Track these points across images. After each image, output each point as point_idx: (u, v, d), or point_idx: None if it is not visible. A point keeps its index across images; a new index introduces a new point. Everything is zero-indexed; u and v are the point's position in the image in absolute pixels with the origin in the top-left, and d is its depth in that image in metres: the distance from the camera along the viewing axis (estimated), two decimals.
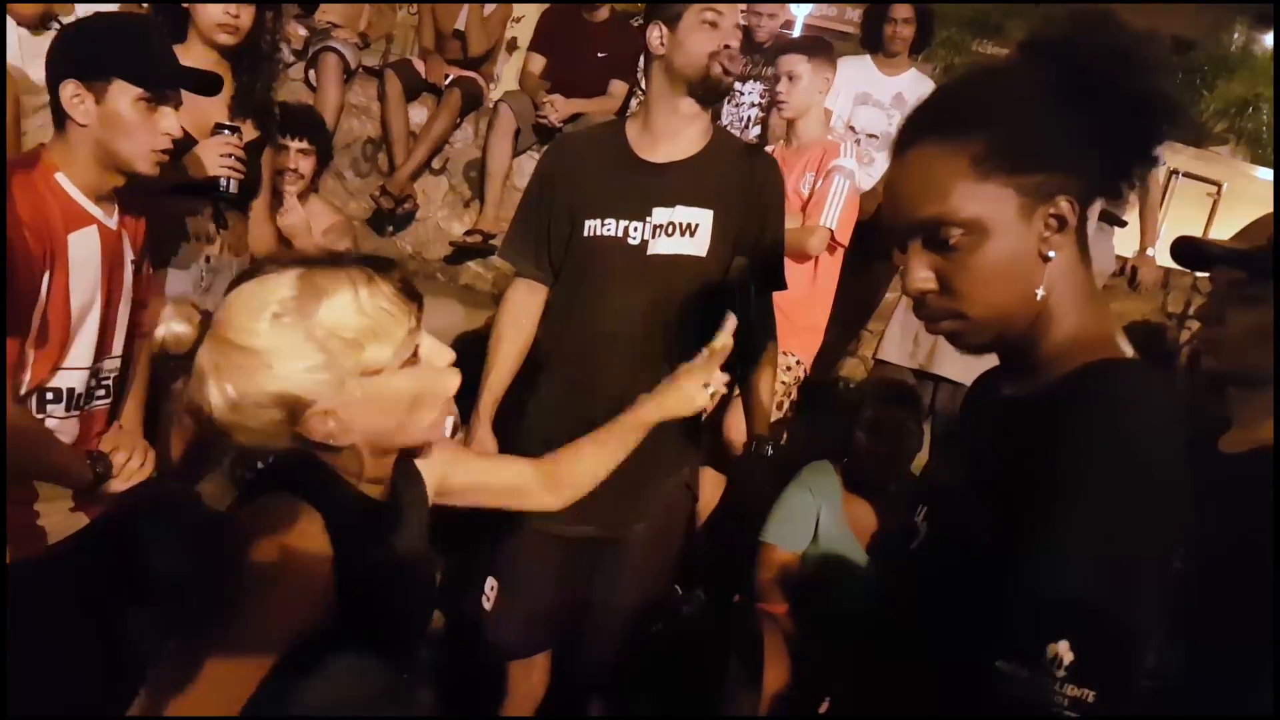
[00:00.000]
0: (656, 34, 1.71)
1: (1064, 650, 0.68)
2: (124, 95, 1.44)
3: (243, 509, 0.96)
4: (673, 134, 1.73)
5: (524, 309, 1.86)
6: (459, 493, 1.21)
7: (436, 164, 3.78)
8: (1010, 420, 0.85)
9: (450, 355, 0.99)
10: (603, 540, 1.80)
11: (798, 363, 2.61)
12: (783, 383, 2.55)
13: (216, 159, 1.94)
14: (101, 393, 1.58)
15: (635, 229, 1.71)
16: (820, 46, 2.75)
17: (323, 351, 0.90)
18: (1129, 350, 0.83)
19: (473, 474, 1.23)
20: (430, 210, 3.83)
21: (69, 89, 1.42)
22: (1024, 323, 0.83)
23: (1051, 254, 0.80)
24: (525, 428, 1.85)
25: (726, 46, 1.69)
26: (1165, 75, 0.79)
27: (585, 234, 1.73)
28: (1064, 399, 0.78)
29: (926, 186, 0.82)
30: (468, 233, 3.60)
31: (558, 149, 1.90)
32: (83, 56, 1.44)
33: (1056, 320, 0.83)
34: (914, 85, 3.47)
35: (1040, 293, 0.81)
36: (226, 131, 1.96)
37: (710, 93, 1.72)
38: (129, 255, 1.58)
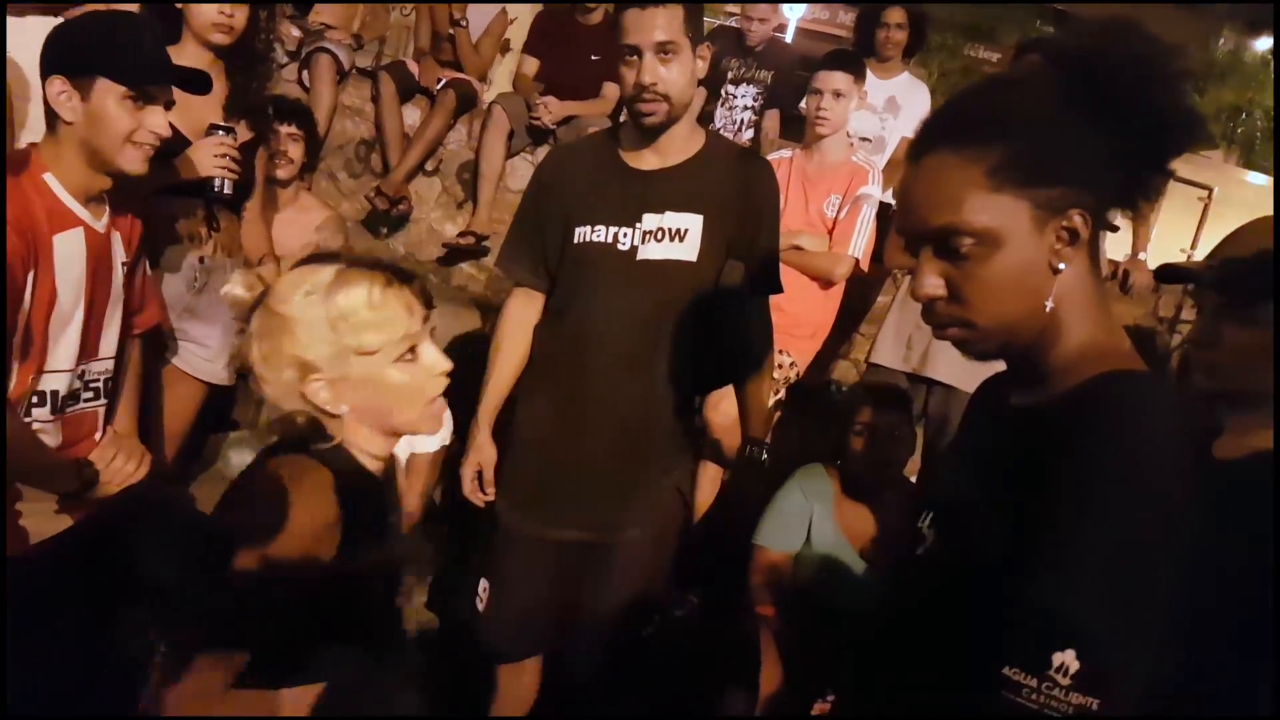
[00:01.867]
0: (621, 64, 1.69)
1: (1070, 659, 0.68)
2: (109, 93, 1.43)
3: (261, 466, 1.11)
4: (660, 147, 1.73)
5: (522, 318, 1.86)
6: None
7: (430, 165, 3.77)
8: (1019, 429, 0.85)
9: (446, 365, 1.13)
10: (592, 544, 1.80)
11: (791, 364, 2.62)
12: (772, 378, 2.57)
13: (210, 159, 1.94)
14: (89, 395, 1.57)
15: (625, 235, 1.71)
16: (859, 64, 2.76)
17: (332, 329, 1.07)
18: (1139, 362, 0.83)
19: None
20: (423, 212, 3.82)
21: (55, 86, 1.42)
22: (1031, 332, 0.83)
23: (1062, 266, 0.80)
24: (514, 430, 1.85)
25: (638, 86, 1.63)
26: (1188, 89, 0.79)
27: (576, 240, 1.73)
28: (1075, 409, 0.78)
29: (940, 195, 0.81)
30: (461, 234, 3.60)
31: (552, 159, 1.91)
32: (69, 54, 1.44)
33: (1065, 330, 0.83)
34: (907, 89, 3.49)
35: (1049, 304, 0.81)
36: (220, 132, 1.96)
37: (644, 134, 1.70)
38: (119, 257, 1.57)
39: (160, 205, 1.91)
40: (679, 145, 1.73)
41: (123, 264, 1.58)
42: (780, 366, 2.59)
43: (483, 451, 1.83)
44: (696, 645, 2.21)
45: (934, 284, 0.83)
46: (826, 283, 2.64)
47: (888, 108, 3.46)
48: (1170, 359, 3.17)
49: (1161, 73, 0.77)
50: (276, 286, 1.10)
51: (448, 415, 2.36)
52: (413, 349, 1.10)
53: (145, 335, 1.79)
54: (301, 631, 1.02)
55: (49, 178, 1.44)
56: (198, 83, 1.64)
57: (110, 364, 1.61)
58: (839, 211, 2.65)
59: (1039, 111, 0.80)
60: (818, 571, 2.16)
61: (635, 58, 1.63)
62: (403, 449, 2.26)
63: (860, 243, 2.63)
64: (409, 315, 1.09)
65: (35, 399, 1.46)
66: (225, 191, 1.99)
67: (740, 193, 1.75)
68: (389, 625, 1.15)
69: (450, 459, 2.73)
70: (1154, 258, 3.37)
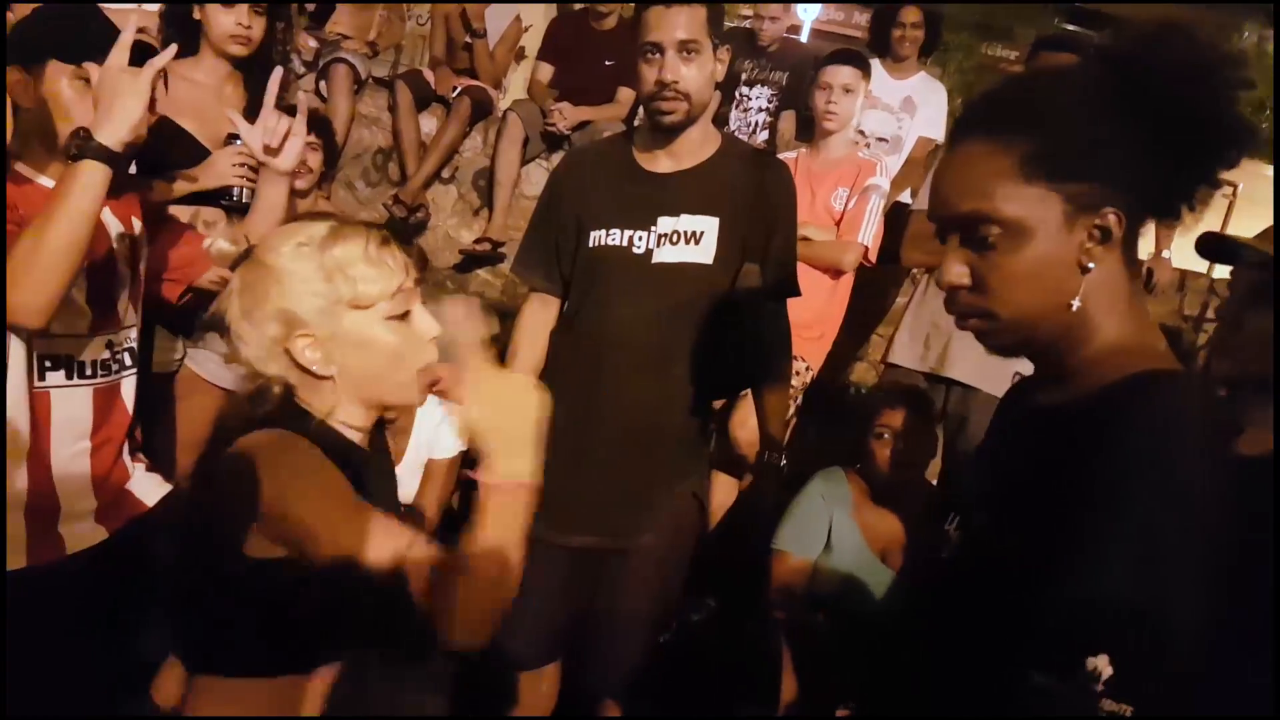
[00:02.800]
0: (641, 61, 1.69)
1: (1103, 664, 0.67)
2: (59, 74, 1.43)
3: (237, 445, 1.02)
4: (669, 149, 1.72)
5: (538, 323, 1.87)
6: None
7: (446, 173, 3.80)
8: (1048, 429, 0.84)
9: (436, 329, 1.09)
10: (609, 550, 1.79)
11: (806, 368, 2.60)
12: (790, 386, 2.56)
13: (230, 169, 1.96)
14: (118, 364, 1.57)
15: (640, 238, 1.71)
16: (865, 60, 2.79)
17: (326, 280, 1.02)
18: (1173, 361, 0.81)
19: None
20: (440, 219, 3.84)
21: (12, 76, 1.42)
22: (1056, 329, 0.82)
23: (1091, 265, 0.79)
24: None
25: (659, 84, 1.63)
26: (1240, 98, 0.77)
27: (590, 244, 1.73)
28: (1108, 407, 0.76)
29: (971, 181, 0.80)
30: (477, 241, 3.61)
31: (566, 164, 1.91)
32: (23, 42, 1.45)
33: (1095, 330, 0.81)
34: (922, 89, 3.47)
35: (1076, 303, 0.79)
36: (239, 142, 1.98)
37: (660, 132, 1.70)
38: (114, 229, 1.56)
39: (179, 214, 1.93)
40: (694, 148, 1.72)
41: (120, 234, 1.58)
42: (796, 373, 2.57)
43: None
44: (716, 651, 2.20)
45: (959, 272, 0.82)
46: (836, 273, 2.61)
47: (904, 108, 3.44)
48: (1197, 356, 3.12)
49: (1216, 81, 0.76)
50: (265, 240, 1.06)
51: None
52: (405, 310, 1.07)
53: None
54: (324, 626, 1.01)
55: (20, 165, 1.46)
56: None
57: (133, 332, 1.61)
58: (847, 203, 2.64)
59: (1078, 107, 0.79)
60: (838, 576, 2.14)
61: (657, 55, 1.62)
62: (420, 454, 2.26)
63: (869, 231, 2.61)
64: (403, 272, 1.06)
65: (49, 362, 1.46)
66: (244, 200, 2.00)
67: (756, 195, 1.74)
68: (408, 619, 1.11)
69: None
70: (1177, 256, 3.32)
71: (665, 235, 1.70)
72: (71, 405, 1.50)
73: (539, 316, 1.87)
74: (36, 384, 1.45)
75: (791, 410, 2.60)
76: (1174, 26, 0.77)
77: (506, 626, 1.85)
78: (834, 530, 2.17)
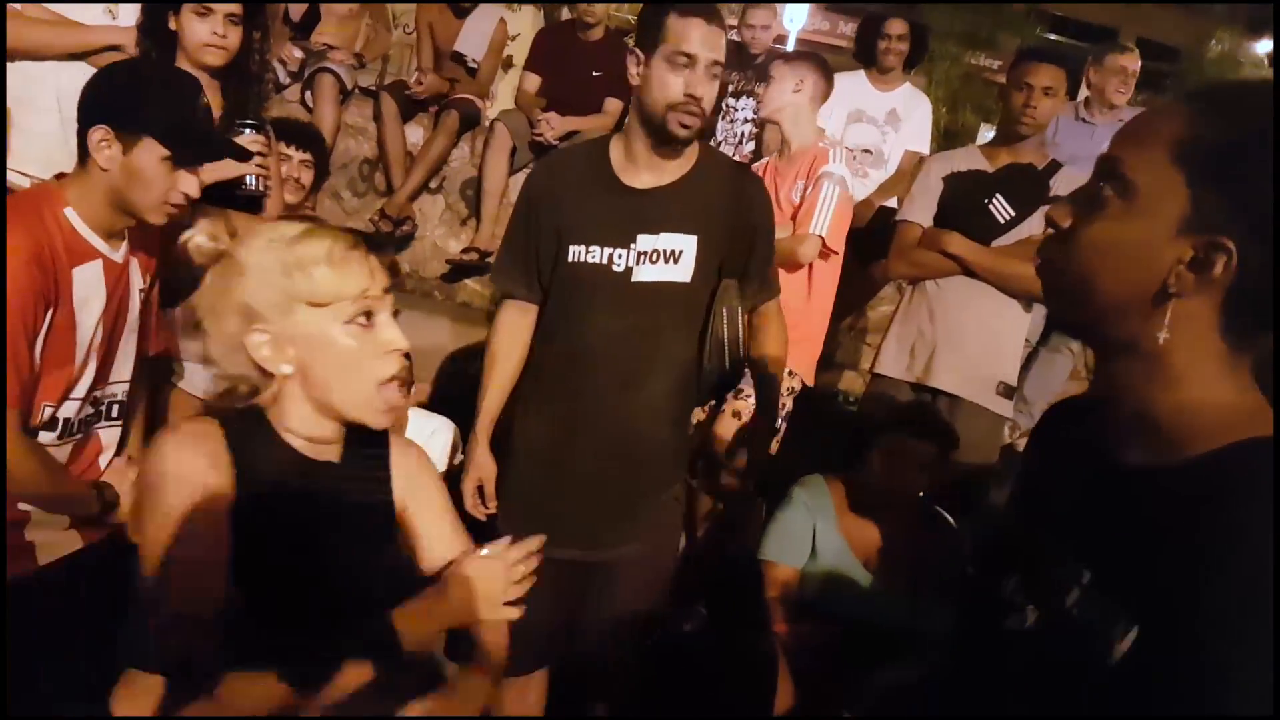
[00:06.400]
0: (634, 62, 1.68)
1: None
2: (151, 153, 1.44)
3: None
4: (658, 163, 1.71)
5: (515, 329, 1.85)
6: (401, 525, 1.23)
7: (433, 183, 3.80)
8: (1140, 494, 0.76)
9: (402, 344, 1.07)
10: (594, 563, 1.79)
11: (791, 373, 2.59)
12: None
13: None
14: (100, 418, 1.58)
15: (619, 256, 1.70)
16: (804, 56, 2.78)
17: (285, 274, 1.02)
18: (1271, 421, 0.74)
19: (425, 520, 1.23)
20: (427, 229, 3.84)
21: (98, 134, 1.42)
22: (1133, 348, 0.75)
23: (1173, 290, 0.72)
24: (511, 448, 1.85)
25: (689, 97, 1.62)
26: None
27: (570, 259, 1.72)
28: (1220, 482, 0.69)
29: (1134, 131, 0.76)
30: (464, 250, 3.61)
31: (542, 171, 1.89)
32: (120, 105, 1.44)
33: (1183, 382, 0.74)
34: (908, 101, 3.49)
35: (1163, 336, 0.73)
36: (249, 130, 1.97)
37: (665, 143, 1.68)
38: (136, 285, 1.58)
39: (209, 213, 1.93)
40: (674, 161, 1.72)
41: (140, 291, 1.59)
42: (791, 389, 2.57)
43: (482, 466, 1.83)
44: (709, 661, 2.20)
45: (1063, 213, 0.79)
46: (794, 265, 2.52)
47: (889, 120, 3.46)
48: None
49: None
50: (243, 237, 1.06)
51: (450, 436, 2.38)
52: (369, 315, 1.05)
53: (153, 360, 1.80)
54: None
55: (70, 213, 1.45)
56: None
57: (123, 388, 1.62)
58: (804, 194, 2.57)
59: (1245, 135, 0.71)
60: (824, 584, 2.15)
61: (689, 67, 1.62)
62: None
63: (823, 220, 2.51)
64: (369, 278, 1.05)
65: (45, 424, 1.47)
66: (261, 189, 1.99)
67: (734, 210, 1.74)
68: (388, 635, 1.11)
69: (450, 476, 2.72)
70: None
71: (645, 254, 1.70)
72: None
73: (516, 323, 1.85)
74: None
75: (780, 417, 2.59)
76: None
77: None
78: (818, 538, 2.18)
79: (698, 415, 2.37)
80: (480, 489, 1.83)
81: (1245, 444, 0.70)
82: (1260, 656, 0.62)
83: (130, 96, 1.45)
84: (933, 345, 2.53)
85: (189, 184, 1.49)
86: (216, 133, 1.56)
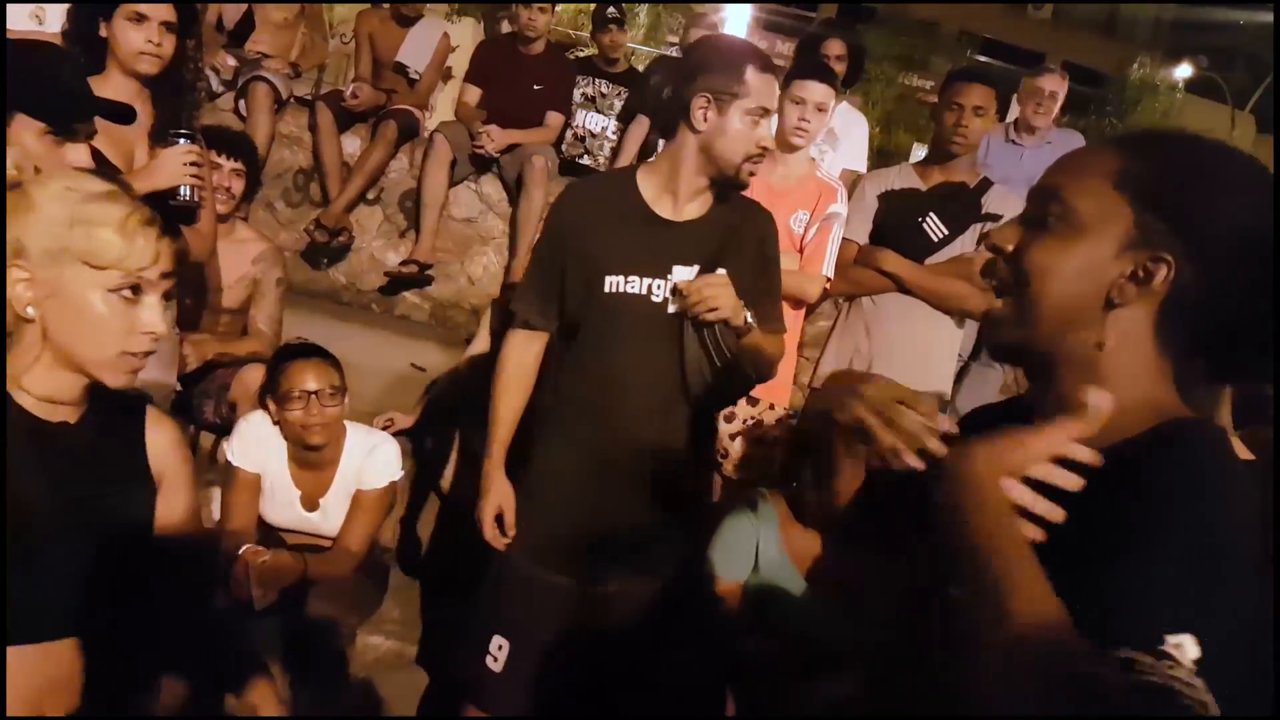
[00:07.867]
0: (702, 106, 1.69)
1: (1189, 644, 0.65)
2: (26, 129, 1.39)
3: None
4: (693, 197, 1.77)
5: (525, 357, 1.88)
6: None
7: (371, 194, 3.74)
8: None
9: (160, 328, 1.09)
10: (622, 595, 1.81)
11: (771, 407, 2.60)
12: (768, 421, 2.58)
13: (179, 168, 1.92)
14: None
15: (658, 287, 1.73)
16: (835, 75, 2.69)
17: (68, 226, 1.03)
18: (1188, 411, 0.80)
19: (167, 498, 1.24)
20: (365, 240, 3.78)
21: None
22: (1075, 358, 0.81)
23: (1117, 301, 0.79)
24: (534, 480, 1.86)
25: (762, 148, 1.71)
26: None
27: (606, 289, 1.74)
28: (1144, 454, 0.75)
29: (1073, 163, 0.84)
30: (403, 263, 3.57)
31: (569, 201, 1.87)
32: None
33: (1108, 381, 0.79)
34: (845, 120, 3.55)
35: (1107, 344, 0.80)
36: (184, 140, 1.93)
37: (726, 187, 1.75)
38: None
39: None
40: (704, 198, 1.78)
41: None
42: (771, 407, 2.58)
43: (501, 493, 1.84)
44: (658, 676, 2.19)
45: (1008, 235, 0.85)
46: (798, 303, 2.54)
47: (826, 139, 3.52)
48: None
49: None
50: (46, 175, 1.07)
51: (394, 451, 2.33)
52: (135, 290, 1.07)
53: None
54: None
55: None
56: (124, 115, 1.60)
57: None
58: (808, 229, 2.54)
59: (1188, 175, 0.79)
60: (765, 597, 2.16)
61: (763, 120, 1.69)
62: (348, 484, 2.20)
63: (832, 262, 2.54)
64: (152, 260, 1.07)
65: None
66: (194, 199, 1.97)
67: (752, 242, 1.80)
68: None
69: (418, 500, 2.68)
70: None
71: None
72: None
73: (526, 349, 1.88)
74: None
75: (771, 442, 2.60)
76: None
77: (510, 678, 1.85)
78: (761, 551, 2.19)
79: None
80: (499, 517, 1.84)
81: (1170, 423, 0.77)
82: (1191, 591, 0.67)
83: None
84: (869, 360, 2.57)
85: (77, 155, 1.44)
86: (89, 92, 1.49)
